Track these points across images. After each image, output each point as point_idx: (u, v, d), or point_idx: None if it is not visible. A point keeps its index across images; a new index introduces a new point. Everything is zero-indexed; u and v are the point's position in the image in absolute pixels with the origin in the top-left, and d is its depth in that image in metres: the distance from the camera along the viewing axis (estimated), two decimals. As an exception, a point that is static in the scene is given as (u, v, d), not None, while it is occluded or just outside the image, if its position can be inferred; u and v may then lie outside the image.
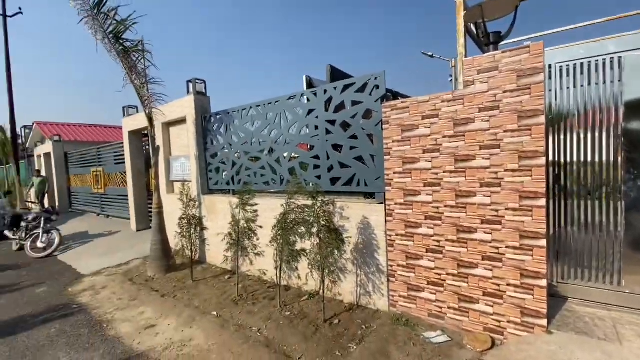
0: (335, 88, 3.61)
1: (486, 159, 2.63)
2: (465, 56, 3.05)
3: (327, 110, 3.71)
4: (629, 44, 2.62)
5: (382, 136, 3.24)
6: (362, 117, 3.50)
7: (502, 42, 2.94)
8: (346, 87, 3.54)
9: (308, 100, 3.91)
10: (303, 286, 3.92)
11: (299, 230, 3.27)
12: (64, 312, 3.83)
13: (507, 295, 2.58)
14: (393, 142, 3.16)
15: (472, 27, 3.40)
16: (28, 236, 6.75)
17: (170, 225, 5.36)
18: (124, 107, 7.31)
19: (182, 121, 5.75)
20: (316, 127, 3.82)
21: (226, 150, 5.00)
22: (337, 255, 3.12)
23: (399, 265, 3.19)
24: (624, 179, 2.63)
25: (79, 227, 8.81)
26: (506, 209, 2.55)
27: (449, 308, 2.89)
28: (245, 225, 3.78)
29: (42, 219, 6.78)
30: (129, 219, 8.00)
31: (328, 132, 3.72)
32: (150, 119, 4.90)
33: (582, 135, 2.83)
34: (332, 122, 3.68)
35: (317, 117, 3.79)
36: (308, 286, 3.85)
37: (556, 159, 2.92)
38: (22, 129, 13.54)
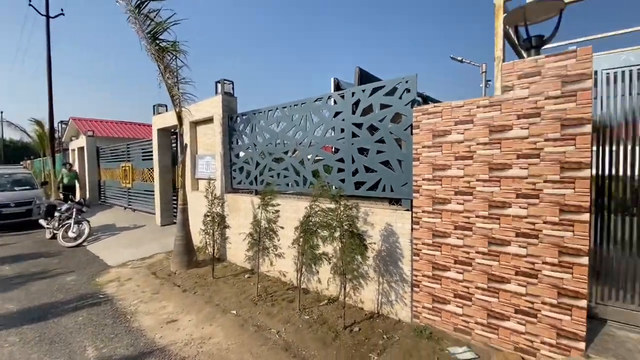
0: (363, 91, 3.56)
1: (524, 168, 2.49)
2: (504, 60, 2.93)
3: (354, 113, 3.67)
4: (688, 50, 2.42)
5: (411, 141, 3.15)
6: (390, 121, 3.42)
7: (543, 47, 2.79)
8: (375, 90, 3.48)
9: (335, 102, 3.88)
10: (323, 290, 3.87)
11: (322, 234, 3.23)
12: (91, 301, 3.97)
13: (542, 314, 2.43)
14: (423, 147, 3.06)
15: (511, 31, 3.27)
16: (60, 226, 7.08)
17: (193, 221, 5.47)
18: (154, 106, 7.56)
19: (209, 120, 5.87)
20: (342, 130, 3.78)
21: (250, 150, 5.05)
22: (359, 261, 3.05)
23: (424, 276, 3.08)
24: (679, 196, 2.42)
25: (107, 219, 9.17)
26: (544, 222, 2.40)
27: (476, 323, 2.75)
28: (267, 226, 3.78)
29: (74, 210, 7.10)
30: (154, 213, 8.25)
31: (354, 135, 3.67)
32: (179, 118, 5.03)
33: (629, 147, 2.63)
34: (359, 125, 3.63)
35: (343, 120, 3.75)
36: (328, 291, 3.80)
37: (600, 171, 2.73)
38: (59, 124, 14.32)
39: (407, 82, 3.25)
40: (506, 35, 3.21)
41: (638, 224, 2.60)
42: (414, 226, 3.14)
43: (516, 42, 3.24)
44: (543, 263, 2.42)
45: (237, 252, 5.06)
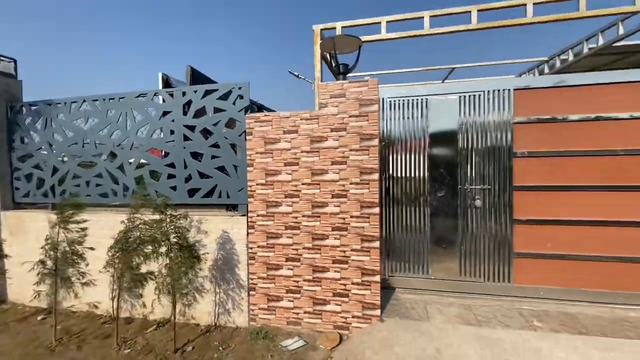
0: (195, 91, 3.36)
1: (336, 173, 2.96)
2: (322, 81, 3.40)
3: (185, 114, 3.40)
4: (432, 90, 3.50)
5: (245, 147, 3.20)
6: (225, 126, 3.37)
7: (351, 74, 3.42)
8: (208, 93, 3.34)
9: (163, 100, 3.49)
10: (150, 315, 3.37)
11: (145, 250, 2.81)
12: None
13: (352, 293, 2.94)
14: (257, 153, 3.16)
15: (328, 57, 3.85)
16: None
17: None
18: None
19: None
20: (172, 132, 3.43)
21: (44, 152, 3.87)
22: (191, 275, 2.82)
23: (259, 278, 3.16)
24: (429, 191, 3.45)
25: None
26: (351, 217, 2.93)
27: (305, 313, 3.05)
28: (69, 249, 2.98)
29: None
30: None
31: (186, 138, 3.40)
32: None
33: (404, 157, 3.56)
34: (192, 128, 3.39)
35: (173, 121, 3.42)
36: (155, 314, 3.34)
37: (388, 174, 3.56)
38: None
39: (240, 88, 3.28)
40: (326, 60, 3.75)
41: (411, 212, 3.54)
42: (250, 230, 3.19)
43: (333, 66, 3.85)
44: (351, 250, 2.93)
45: (24, 288, 3.76)
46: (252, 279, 3.19)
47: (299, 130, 3.05)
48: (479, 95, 3.30)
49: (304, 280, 3.05)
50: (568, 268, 3.10)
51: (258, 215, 3.15)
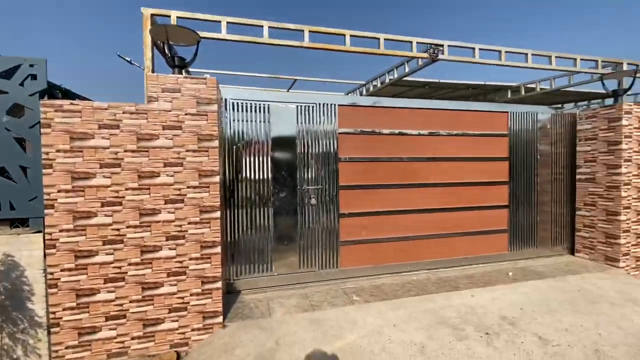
0: (-57, 60, 2.33)
1: (170, 175, 2.69)
2: (153, 71, 3.02)
3: None
4: (273, 97, 3.69)
5: (41, 143, 2.46)
6: (7, 114, 2.50)
7: (192, 70, 3.19)
8: (-30, 65, 2.39)
9: None
10: None
11: None
12: None
13: (191, 305, 2.74)
14: (58, 151, 2.48)
15: (164, 46, 3.44)
16: None
17: None
18: None
19: None
20: None
21: None
22: None
23: (66, 309, 2.50)
24: (272, 192, 3.63)
25: None
26: (189, 223, 2.73)
27: (132, 339, 2.62)
28: None
29: None
30: None
31: None
32: None
33: (249, 159, 3.61)
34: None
35: None
36: None
37: (232, 176, 3.53)
38: None
39: (32, 66, 2.52)
40: (159, 48, 3.35)
41: (258, 214, 3.63)
42: (50, 251, 2.47)
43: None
44: (190, 259, 2.73)
45: None
46: (54, 313, 2.48)
47: (121, 126, 2.60)
48: (313, 106, 3.73)
49: (131, 302, 2.62)
50: (376, 249, 3.94)
51: (62, 231, 2.48)
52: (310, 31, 3.43)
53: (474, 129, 4.28)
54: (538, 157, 4.58)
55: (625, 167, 4.11)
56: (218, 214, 2.81)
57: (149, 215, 2.64)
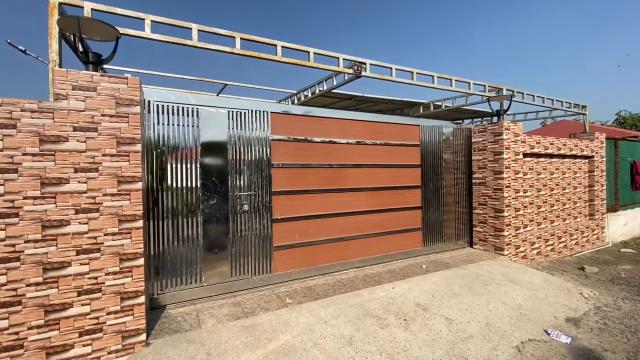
0: None
1: (83, 182, 2.42)
2: (61, 66, 2.70)
3: None
4: (203, 101, 3.59)
5: None
6: None
7: (109, 67, 2.92)
8: None
9: None
10: None
11: None
12: None
13: (108, 325, 2.48)
14: None
15: (75, 39, 3.09)
16: None
17: None
18: None
19: None
20: None
21: None
22: None
23: None
24: (201, 200, 3.51)
25: None
26: (105, 235, 2.48)
27: (30, 373, 2.25)
28: None
29: None
30: None
31: None
32: None
33: (176, 165, 3.43)
34: None
35: None
36: None
37: (157, 183, 3.31)
38: None
39: None
40: (68, 41, 3.00)
41: (186, 222, 3.44)
42: None
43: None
44: (106, 275, 2.48)
45: None
46: None
47: (18, 125, 2.26)
48: (246, 112, 3.74)
49: (29, 329, 2.25)
50: (307, 252, 4.09)
51: None
52: (242, 38, 3.47)
53: (393, 139, 4.80)
54: (443, 164, 5.34)
55: (506, 173, 5.08)
56: (140, 223, 2.62)
57: (54, 228, 2.32)
